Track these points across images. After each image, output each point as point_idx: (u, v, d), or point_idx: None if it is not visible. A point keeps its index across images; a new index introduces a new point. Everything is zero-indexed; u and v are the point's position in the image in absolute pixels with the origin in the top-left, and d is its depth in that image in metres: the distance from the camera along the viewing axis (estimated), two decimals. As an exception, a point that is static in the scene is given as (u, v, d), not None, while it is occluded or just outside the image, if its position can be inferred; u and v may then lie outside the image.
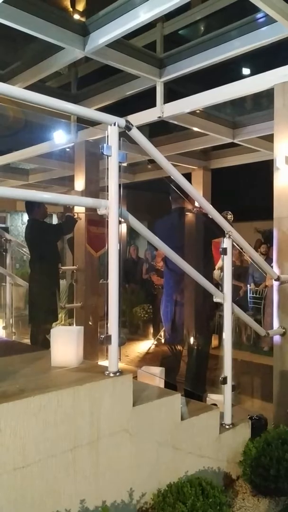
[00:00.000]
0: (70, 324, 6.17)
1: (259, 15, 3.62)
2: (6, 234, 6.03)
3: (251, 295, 7.45)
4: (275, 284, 3.59)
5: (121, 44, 4.05)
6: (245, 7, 3.50)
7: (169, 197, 4.02)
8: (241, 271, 7.39)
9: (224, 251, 2.89)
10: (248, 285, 7.48)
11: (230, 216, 3.23)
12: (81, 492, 2.06)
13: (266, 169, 4.65)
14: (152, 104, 4.64)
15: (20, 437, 1.83)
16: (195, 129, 5.45)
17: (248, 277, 7.54)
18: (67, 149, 6.47)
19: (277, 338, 3.57)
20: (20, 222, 11.62)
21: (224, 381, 2.88)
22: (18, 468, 1.83)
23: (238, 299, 7.16)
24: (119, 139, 2.26)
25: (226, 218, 2.96)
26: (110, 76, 5.03)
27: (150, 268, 8.09)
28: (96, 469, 2.12)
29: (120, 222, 2.28)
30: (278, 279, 3.51)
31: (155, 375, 3.46)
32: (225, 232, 2.89)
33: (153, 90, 4.61)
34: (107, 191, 2.26)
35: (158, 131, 6.32)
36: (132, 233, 11.20)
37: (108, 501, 2.16)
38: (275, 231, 3.62)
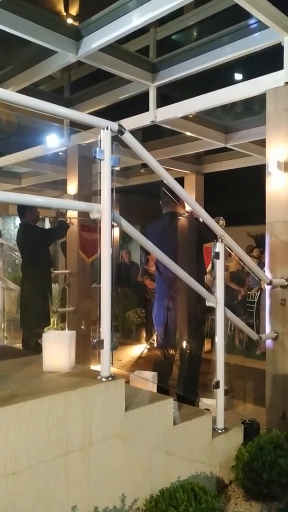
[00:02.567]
0: (62, 329, 6.14)
1: (251, 21, 3.65)
2: (-2, 237, 6.01)
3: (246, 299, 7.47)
4: (267, 288, 3.60)
5: (114, 49, 4.05)
6: (238, 13, 3.52)
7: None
8: (241, 276, 7.38)
9: (217, 255, 2.89)
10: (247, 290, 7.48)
11: (222, 222, 3.24)
12: (73, 499, 2.04)
13: (258, 174, 4.67)
14: (145, 108, 4.65)
15: (11, 443, 1.82)
16: (188, 133, 5.47)
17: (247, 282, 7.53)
18: (60, 153, 6.47)
19: (269, 342, 3.57)
20: (12, 225, 11.57)
21: (217, 385, 2.88)
22: (9, 474, 1.81)
23: (236, 303, 7.17)
24: (112, 143, 2.26)
25: (218, 224, 2.96)
26: (103, 80, 5.04)
27: (143, 272, 8.08)
28: (88, 475, 2.11)
29: (112, 226, 2.28)
30: (270, 283, 3.52)
31: (147, 380, 3.45)
32: (218, 236, 2.90)
33: (146, 94, 4.63)
34: (100, 195, 2.25)
35: (151, 135, 6.34)
36: (125, 237, 11.19)
37: (100, 507, 2.14)
38: (267, 236, 3.64)
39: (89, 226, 5.63)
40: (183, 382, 3.87)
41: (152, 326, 4.97)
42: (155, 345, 5.90)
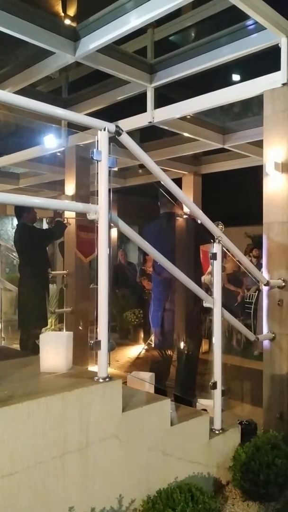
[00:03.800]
0: (60, 329, 6.14)
1: (248, 22, 3.65)
2: (-4, 238, 6.01)
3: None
4: (265, 289, 3.60)
5: (112, 50, 4.05)
6: (235, 14, 3.53)
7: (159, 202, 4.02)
8: (239, 277, 7.39)
9: (214, 256, 2.90)
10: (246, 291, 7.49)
11: (221, 227, 3.26)
12: (70, 499, 2.04)
13: (256, 174, 4.68)
14: (143, 109, 4.65)
15: (8, 444, 1.81)
16: (186, 134, 5.47)
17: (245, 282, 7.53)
18: (58, 154, 6.47)
19: (266, 343, 3.58)
20: (10, 226, 11.57)
21: (214, 386, 2.88)
22: (6, 475, 1.81)
23: (236, 305, 7.16)
24: (109, 144, 2.26)
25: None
26: (101, 81, 5.04)
27: (141, 273, 8.08)
28: (86, 475, 2.11)
29: (110, 227, 2.28)
30: (267, 284, 3.53)
31: (144, 381, 3.45)
32: (215, 237, 2.90)
33: (143, 95, 4.63)
34: (97, 196, 2.25)
35: (149, 136, 6.34)
36: (122, 237, 11.19)
37: (97, 508, 2.14)
38: (264, 236, 3.64)
39: (87, 225, 5.62)
40: (180, 382, 3.87)
41: (150, 326, 4.98)
42: (153, 345, 5.90)
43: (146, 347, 6.94)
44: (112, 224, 2.33)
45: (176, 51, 4.30)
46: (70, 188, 6.12)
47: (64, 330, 5.88)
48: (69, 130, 5.79)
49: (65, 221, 5.55)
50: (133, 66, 4.32)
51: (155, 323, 4.00)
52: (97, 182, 2.26)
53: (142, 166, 2.57)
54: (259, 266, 4.20)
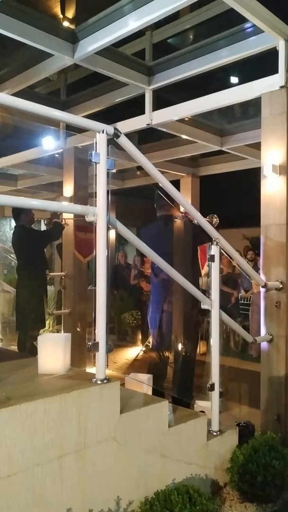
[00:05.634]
0: (58, 331, 6.14)
1: (246, 25, 3.67)
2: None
3: (240, 301, 7.48)
4: (262, 291, 3.61)
5: (110, 52, 4.07)
6: (233, 17, 3.55)
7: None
8: (232, 278, 7.40)
9: (212, 258, 2.91)
10: (240, 293, 7.50)
11: (215, 220, 3.23)
12: (68, 501, 2.04)
13: (253, 176, 4.70)
14: (141, 111, 4.66)
15: (6, 446, 1.81)
16: (184, 136, 5.49)
17: (240, 284, 7.55)
18: (56, 155, 6.47)
19: (264, 345, 3.59)
20: (8, 228, 11.56)
21: (212, 387, 2.89)
22: (4, 477, 1.81)
23: (230, 307, 7.17)
24: (108, 146, 2.27)
25: (211, 222, 2.96)
26: (99, 83, 5.05)
27: (139, 274, 8.08)
28: (83, 477, 2.11)
29: (108, 229, 2.28)
30: (265, 286, 3.53)
31: (142, 382, 3.46)
32: (213, 239, 2.91)
33: (142, 97, 4.64)
34: (95, 198, 2.26)
35: (147, 138, 6.35)
36: (121, 239, 11.19)
37: (95, 510, 2.14)
38: (262, 238, 3.65)
39: (85, 226, 5.62)
40: (178, 384, 3.87)
41: (148, 328, 4.98)
42: (151, 347, 5.90)
43: (144, 348, 6.94)
44: (110, 226, 2.33)
45: (174, 53, 4.32)
46: (68, 189, 6.12)
47: (62, 331, 5.87)
48: (67, 132, 5.80)
49: (63, 222, 5.55)
50: (132, 68, 4.33)
51: (154, 324, 4.00)
52: (96, 184, 2.26)
53: (140, 168, 2.57)
54: (255, 269, 4.20)
